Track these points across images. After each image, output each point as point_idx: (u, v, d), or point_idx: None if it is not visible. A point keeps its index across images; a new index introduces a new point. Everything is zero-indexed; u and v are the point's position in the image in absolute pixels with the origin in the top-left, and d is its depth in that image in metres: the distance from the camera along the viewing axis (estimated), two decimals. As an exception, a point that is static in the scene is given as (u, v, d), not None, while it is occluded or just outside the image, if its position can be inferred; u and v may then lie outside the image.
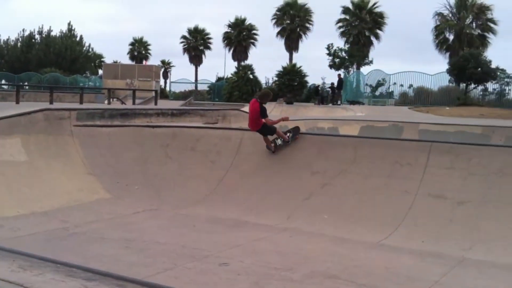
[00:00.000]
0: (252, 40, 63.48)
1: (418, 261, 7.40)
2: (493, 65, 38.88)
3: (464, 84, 39.71)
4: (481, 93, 41.47)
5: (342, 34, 53.51)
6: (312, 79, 59.44)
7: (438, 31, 49.60)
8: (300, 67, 40.03)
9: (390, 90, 44.64)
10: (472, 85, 39.85)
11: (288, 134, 11.20)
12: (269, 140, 11.05)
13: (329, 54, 47.29)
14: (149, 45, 71.82)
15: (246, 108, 28.20)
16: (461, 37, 47.73)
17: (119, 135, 12.24)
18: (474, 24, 49.10)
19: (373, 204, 9.45)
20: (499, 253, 7.67)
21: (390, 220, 8.98)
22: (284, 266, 6.86)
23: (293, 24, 57.76)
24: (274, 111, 31.56)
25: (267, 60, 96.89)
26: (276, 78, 40.10)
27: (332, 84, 37.94)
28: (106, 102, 25.63)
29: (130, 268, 6.34)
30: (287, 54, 58.79)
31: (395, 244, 8.21)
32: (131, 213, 9.67)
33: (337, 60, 47.06)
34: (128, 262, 6.73)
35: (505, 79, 40.21)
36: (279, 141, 11.09)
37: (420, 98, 41.61)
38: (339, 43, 56.46)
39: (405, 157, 9.83)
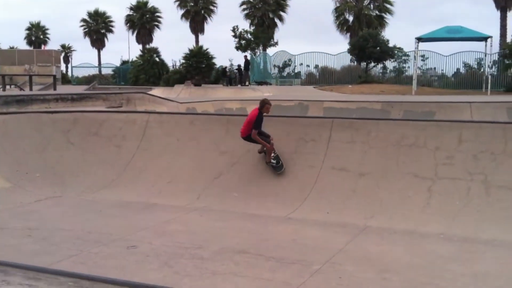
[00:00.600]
0: (156, 23, 62.44)
1: (324, 231, 7.68)
2: (390, 44, 40.75)
3: (365, 63, 41.32)
4: (381, 71, 43.43)
5: (247, 16, 54.11)
6: (220, 61, 59.47)
7: (338, 13, 51.33)
8: (207, 49, 39.83)
9: (297, 71, 45.61)
10: (372, 64, 41.56)
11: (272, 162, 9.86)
12: (269, 157, 9.89)
13: (234, 36, 47.35)
14: (47, 29, 68.68)
15: (154, 91, 27.65)
16: (360, 18, 49.69)
17: (16, 122, 11.59)
18: (371, 6, 51.18)
19: (280, 179, 9.66)
20: (399, 220, 8.12)
21: (297, 194, 9.24)
22: (194, 244, 6.87)
23: (196, 6, 57.46)
24: (182, 93, 31.33)
25: (173, 42, 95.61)
26: (183, 61, 39.63)
27: (239, 65, 38.16)
28: (1, 89, 24.16)
29: (33, 257, 6.08)
30: (193, 37, 58.48)
31: (302, 216, 8.47)
32: (33, 201, 9.23)
33: (243, 42, 47.23)
34: (31, 251, 6.46)
35: (403, 57, 42.33)
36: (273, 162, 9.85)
37: (325, 77, 42.88)
38: (244, 25, 56.77)
39: (309, 133, 10.10)
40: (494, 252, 6.74)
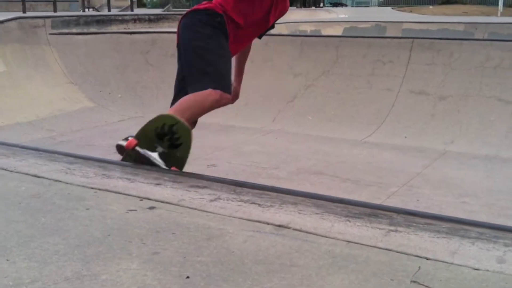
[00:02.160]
0: None
1: (401, 155, 7.60)
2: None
3: (448, -18, 38.91)
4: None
5: None
6: (293, -18, 57.59)
7: None
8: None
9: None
10: (456, -17, 39.07)
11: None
12: None
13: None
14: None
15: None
16: None
17: (97, 43, 11.95)
18: None
19: (356, 103, 9.53)
20: (480, 145, 7.90)
21: (373, 118, 9.11)
22: (271, 165, 7.02)
23: None
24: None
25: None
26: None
27: (313, -14, 36.98)
28: (80, 11, 24.81)
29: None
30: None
31: (379, 141, 8.40)
32: (116, 121, 9.67)
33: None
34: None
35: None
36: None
37: (405, -2, 40.90)
38: None
39: (387, 55, 9.78)
40: None
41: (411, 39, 10.09)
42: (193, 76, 4.20)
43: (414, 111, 8.97)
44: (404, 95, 9.28)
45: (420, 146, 7.99)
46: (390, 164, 7.17)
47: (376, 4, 41.87)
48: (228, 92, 4.21)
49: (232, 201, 3.47)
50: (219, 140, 8.49)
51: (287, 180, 6.41)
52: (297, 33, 18.95)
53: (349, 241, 3.02)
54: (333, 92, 9.90)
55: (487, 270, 2.61)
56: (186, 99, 4.16)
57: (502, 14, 28.47)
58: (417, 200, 5.68)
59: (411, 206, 5.50)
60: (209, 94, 4.09)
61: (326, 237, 3.11)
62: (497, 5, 30.67)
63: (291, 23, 20.00)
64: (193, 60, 4.21)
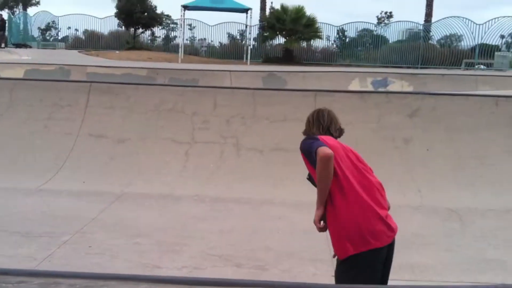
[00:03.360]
0: None
1: (78, 201, 7.39)
2: (158, 11, 40.72)
3: (133, 29, 40.66)
4: (150, 37, 43.20)
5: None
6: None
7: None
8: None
9: (64, 35, 42.85)
10: (140, 30, 41.10)
11: None
12: None
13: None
14: None
15: None
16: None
17: None
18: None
19: (33, 149, 9.00)
20: (157, 185, 8.19)
21: (51, 164, 8.71)
22: None
23: None
24: None
25: None
26: None
27: (-6, 25, 34.33)
28: None
29: None
30: None
31: (56, 187, 8.02)
32: None
33: (-2, -2, 42.58)
34: None
35: (171, 25, 42.72)
36: None
37: (92, 42, 41.04)
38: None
39: (64, 98, 9.57)
40: (240, 209, 7.28)
41: (89, 83, 10.11)
42: None
43: (93, 155, 8.90)
44: (83, 138, 9.16)
45: (99, 190, 7.91)
46: (66, 211, 6.90)
47: (64, 47, 41.05)
48: None
49: None
50: None
51: None
52: (-30, 74, 17.21)
53: None
54: (7, 137, 9.18)
55: None
56: None
57: (183, 61, 31.03)
58: (89, 246, 5.56)
59: (82, 253, 5.36)
60: None
61: None
62: (178, 52, 33.38)
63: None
64: None
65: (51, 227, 6.19)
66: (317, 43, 37.90)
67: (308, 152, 3.54)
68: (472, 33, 33.44)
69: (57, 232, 6.00)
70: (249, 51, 33.28)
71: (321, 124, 3.87)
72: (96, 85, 9.96)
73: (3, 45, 33.34)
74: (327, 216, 3.50)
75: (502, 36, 34.18)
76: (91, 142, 9.09)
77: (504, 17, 32.79)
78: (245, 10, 34.98)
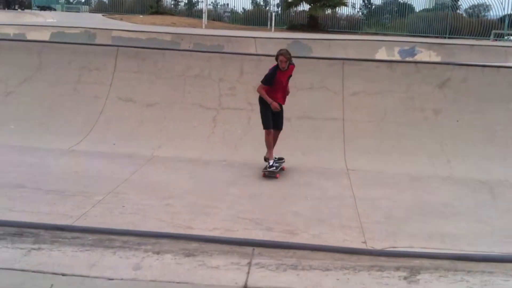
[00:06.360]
0: None
1: (109, 162, 7.52)
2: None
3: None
4: (173, 2, 43.00)
5: None
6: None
7: None
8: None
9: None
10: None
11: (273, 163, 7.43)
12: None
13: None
14: None
15: None
16: None
17: None
18: None
19: (63, 111, 9.13)
20: (185, 149, 8.29)
21: (82, 126, 8.84)
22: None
23: None
24: None
25: None
26: None
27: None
28: None
29: None
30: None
31: (87, 149, 8.17)
32: None
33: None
34: None
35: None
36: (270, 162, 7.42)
37: (115, 6, 40.96)
38: None
39: (93, 62, 9.64)
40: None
41: (116, 47, 10.14)
42: None
43: (123, 118, 9.00)
44: (112, 102, 9.25)
45: (129, 153, 8.03)
46: (98, 172, 7.04)
47: (87, 10, 41.06)
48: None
49: None
50: None
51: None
52: (-1, 36, 17.38)
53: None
54: (37, 100, 9.30)
55: (122, 279, 2.77)
56: None
57: (206, 27, 30.89)
58: (123, 206, 5.67)
59: (116, 212, 5.48)
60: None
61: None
62: (202, 17, 33.18)
63: (-10, 25, 18.27)
64: None
65: (85, 186, 6.33)
66: (342, 10, 37.39)
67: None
68: (502, 3, 32.60)
69: (90, 191, 6.13)
70: (273, 18, 32.91)
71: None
72: (123, 50, 10.00)
73: (17, 7, 33.37)
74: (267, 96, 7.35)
75: (533, 7, 33.33)
76: (120, 106, 9.18)
77: (536, -14, 31.89)
78: (270, -24, 34.48)
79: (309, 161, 7.94)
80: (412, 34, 32.86)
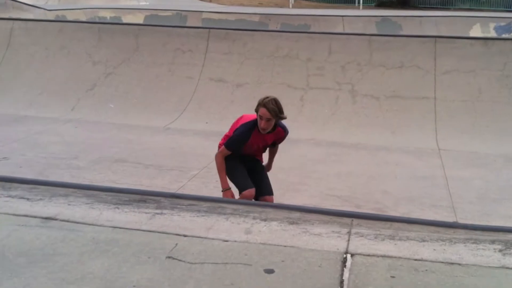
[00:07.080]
0: None
1: (203, 140, 7.87)
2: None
3: (244, -26, 40.66)
4: (260, -17, 43.07)
5: None
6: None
7: None
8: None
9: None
10: (251, -25, 41.04)
11: None
12: None
13: None
14: None
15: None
16: None
17: None
18: None
19: (158, 91, 9.60)
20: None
21: (175, 105, 9.28)
22: (70, 155, 6.77)
23: None
24: (51, 0, 29.06)
25: None
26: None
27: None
28: None
29: None
30: None
31: (181, 127, 8.59)
32: None
33: None
34: None
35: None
36: None
37: (204, -13, 41.67)
38: None
39: (186, 44, 10.03)
40: (357, 154, 7.38)
41: (208, 29, 10.48)
42: None
43: (214, 98, 9.34)
44: (204, 82, 9.61)
45: (221, 131, 8.25)
46: (192, 149, 7.40)
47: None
48: None
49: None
50: (11, 131, 7.90)
51: (87, 169, 6.25)
52: (96, 19, 18.36)
53: (115, 227, 3.36)
54: (134, 80, 9.84)
55: (235, 241, 3.15)
56: None
57: (293, 6, 30.87)
58: (216, 181, 5.94)
59: (211, 186, 5.78)
60: None
61: (94, 225, 3.41)
62: (289, -3, 33.23)
63: (89, 9, 19.30)
64: None
65: (181, 162, 6.70)
66: (434, -14, 35.85)
67: None
68: None
69: (186, 166, 6.49)
70: (361, -5, 32.23)
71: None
72: (214, 32, 10.30)
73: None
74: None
75: None
76: (211, 86, 9.52)
77: None
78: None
79: (398, 141, 7.88)
80: (509, 9, 31.04)
